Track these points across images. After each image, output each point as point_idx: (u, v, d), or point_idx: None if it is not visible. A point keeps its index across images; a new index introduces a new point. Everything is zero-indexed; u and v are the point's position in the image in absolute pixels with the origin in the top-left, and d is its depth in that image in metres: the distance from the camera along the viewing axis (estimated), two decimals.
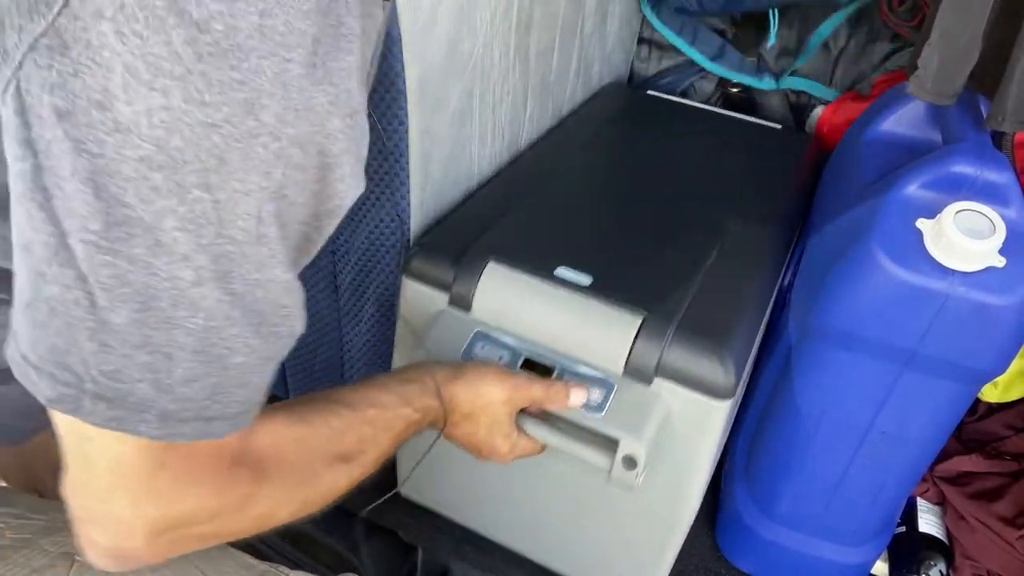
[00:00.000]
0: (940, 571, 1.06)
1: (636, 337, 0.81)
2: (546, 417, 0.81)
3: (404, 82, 0.80)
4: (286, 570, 0.70)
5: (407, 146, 0.85)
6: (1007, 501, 1.08)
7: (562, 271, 0.86)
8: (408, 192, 0.88)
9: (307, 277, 1.04)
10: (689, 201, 1.07)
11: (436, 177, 0.93)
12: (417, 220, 0.92)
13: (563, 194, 1.05)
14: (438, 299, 0.89)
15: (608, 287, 0.84)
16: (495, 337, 0.85)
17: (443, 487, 1.08)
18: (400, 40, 0.77)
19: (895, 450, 0.87)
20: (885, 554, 1.09)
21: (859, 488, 0.92)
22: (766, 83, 1.43)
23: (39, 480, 0.85)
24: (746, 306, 0.88)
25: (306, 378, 1.18)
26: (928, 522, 1.12)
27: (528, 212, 0.98)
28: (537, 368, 0.83)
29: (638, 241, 0.96)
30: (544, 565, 1.06)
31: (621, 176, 1.13)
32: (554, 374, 0.82)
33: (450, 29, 0.84)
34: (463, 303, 0.87)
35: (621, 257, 0.91)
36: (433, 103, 0.86)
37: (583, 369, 0.82)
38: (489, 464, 0.91)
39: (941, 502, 1.14)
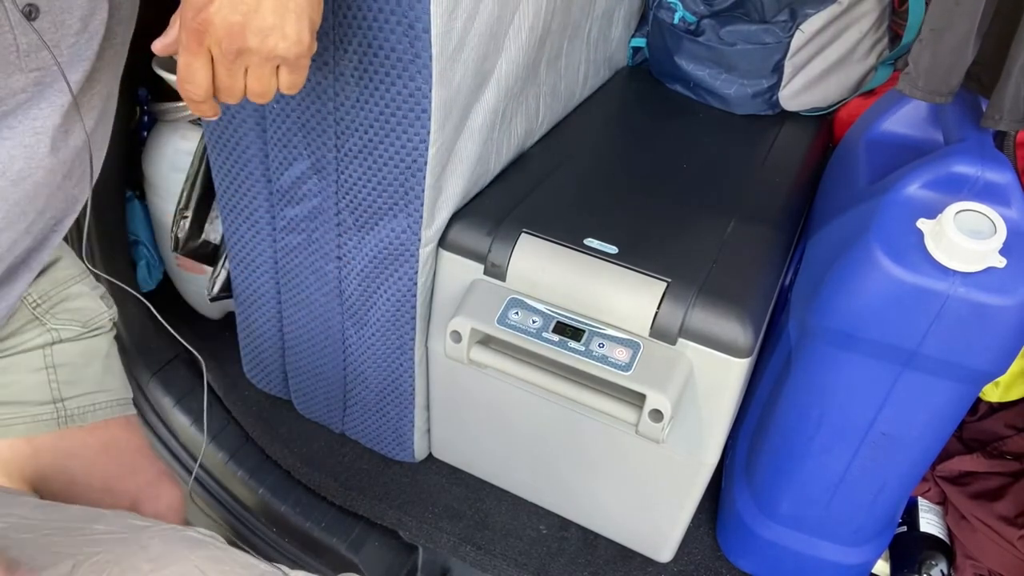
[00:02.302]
0: (941, 571, 1.06)
1: (661, 301, 0.87)
2: (576, 376, 0.88)
3: (430, 102, 0.80)
4: (286, 569, 0.70)
5: (425, 163, 0.85)
6: (1008, 501, 1.07)
7: (591, 241, 0.92)
8: (422, 205, 0.89)
9: (311, 283, 1.05)
10: (704, 178, 1.11)
11: (452, 191, 0.94)
12: (428, 232, 0.93)
13: (586, 172, 1.10)
14: (473, 269, 0.95)
15: (633, 256, 0.90)
16: (528, 303, 0.91)
17: (471, 447, 1.15)
18: (430, 65, 0.77)
19: (895, 450, 0.87)
20: (886, 554, 1.09)
21: (859, 488, 0.92)
22: None
23: (41, 481, 0.84)
24: (762, 272, 0.94)
25: (308, 380, 1.18)
26: (929, 522, 1.12)
27: (554, 189, 1.03)
28: (568, 331, 0.89)
29: (658, 214, 1.01)
30: (568, 519, 1.14)
31: (639, 156, 1.16)
32: (584, 336, 0.88)
33: (478, 51, 0.84)
34: (497, 272, 0.93)
35: (644, 229, 0.96)
36: (457, 121, 0.87)
37: (611, 331, 0.88)
38: (516, 424, 1.03)
39: (942, 502, 1.14)
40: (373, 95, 0.82)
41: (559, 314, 0.90)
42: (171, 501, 0.86)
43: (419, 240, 0.93)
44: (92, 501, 0.80)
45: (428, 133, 0.83)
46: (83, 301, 0.78)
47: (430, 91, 0.80)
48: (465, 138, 0.91)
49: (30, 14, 0.55)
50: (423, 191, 0.88)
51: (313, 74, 0.84)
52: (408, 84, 0.79)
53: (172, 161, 1.25)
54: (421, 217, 0.91)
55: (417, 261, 0.95)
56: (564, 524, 1.14)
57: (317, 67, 0.83)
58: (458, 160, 0.92)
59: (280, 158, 0.95)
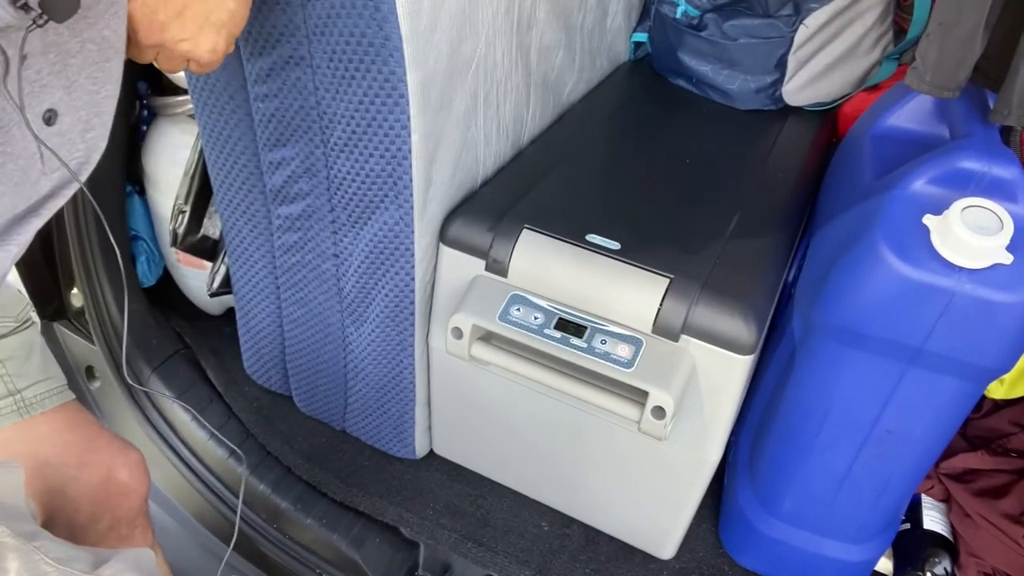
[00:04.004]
0: (945, 568, 1.06)
1: (664, 297, 0.86)
2: (578, 373, 0.88)
3: (406, 87, 0.80)
4: None
5: (410, 150, 0.84)
6: (1013, 498, 1.07)
7: (593, 237, 0.91)
8: (412, 195, 0.88)
9: (309, 281, 1.04)
10: (708, 174, 1.10)
11: (441, 179, 0.93)
12: (421, 223, 0.92)
13: (588, 168, 1.09)
14: (474, 265, 0.94)
15: (636, 252, 0.90)
16: (530, 299, 0.90)
17: (472, 444, 1.15)
18: (401, 47, 0.77)
19: (899, 448, 0.86)
20: (890, 551, 1.09)
21: (863, 486, 0.91)
22: None
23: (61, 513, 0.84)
24: (766, 269, 0.93)
25: (309, 376, 1.18)
26: (933, 519, 1.11)
27: (556, 184, 1.03)
28: (570, 327, 0.88)
29: (661, 210, 1.00)
30: (570, 516, 1.13)
31: (642, 151, 1.16)
32: (586, 333, 0.87)
33: (452, 32, 0.83)
34: (499, 268, 0.92)
35: (646, 225, 0.96)
36: (437, 106, 0.86)
37: (614, 328, 0.87)
38: (518, 420, 1.02)
39: (946, 499, 1.14)
40: (351, 84, 0.81)
41: (561, 310, 0.89)
42: (138, 461, 0.87)
43: (413, 232, 0.92)
44: (71, 477, 0.81)
45: (408, 119, 0.82)
46: (6, 296, 0.79)
47: (405, 74, 0.79)
48: (449, 125, 0.90)
49: (49, 120, 0.57)
50: (411, 180, 0.87)
51: (292, 70, 0.84)
52: (383, 69, 0.79)
53: (171, 156, 1.25)
54: (412, 208, 0.90)
55: (413, 255, 0.94)
56: (566, 521, 1.13)
57: (295, 63, 0.83)
58: (444, 147, 0.91)
59: (270, 158, 0.95)
